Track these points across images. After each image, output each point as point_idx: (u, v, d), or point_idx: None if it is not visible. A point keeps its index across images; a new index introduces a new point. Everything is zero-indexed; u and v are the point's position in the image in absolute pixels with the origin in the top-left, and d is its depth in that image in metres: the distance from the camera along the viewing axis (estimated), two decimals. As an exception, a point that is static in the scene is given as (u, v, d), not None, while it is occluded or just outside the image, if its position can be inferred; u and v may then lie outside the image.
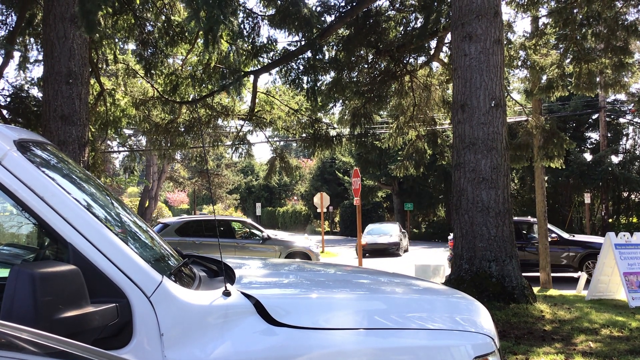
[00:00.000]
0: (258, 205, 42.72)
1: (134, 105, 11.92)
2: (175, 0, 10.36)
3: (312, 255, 13.85)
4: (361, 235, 11.67)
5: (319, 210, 19.03)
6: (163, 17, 10.37)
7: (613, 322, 6.71)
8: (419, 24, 11.91)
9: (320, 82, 12.08)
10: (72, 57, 6.65)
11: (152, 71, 10.85)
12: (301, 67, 11.20)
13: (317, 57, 10.77)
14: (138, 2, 9.60)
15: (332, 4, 11.06)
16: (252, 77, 11.34)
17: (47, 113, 6.67)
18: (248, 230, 14.28)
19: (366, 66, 12.78)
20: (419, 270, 10.95)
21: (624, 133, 31.31)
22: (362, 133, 13.07)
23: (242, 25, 10.30)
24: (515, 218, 12.34)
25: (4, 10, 10.30)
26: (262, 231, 13.99)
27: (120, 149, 28.61)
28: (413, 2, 11.95)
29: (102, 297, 1.49)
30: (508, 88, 12.78)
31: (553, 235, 12.80)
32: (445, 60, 12.49)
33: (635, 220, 27.67)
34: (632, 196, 27.70)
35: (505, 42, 10.69)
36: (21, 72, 11.37)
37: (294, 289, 2.26)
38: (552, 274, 11.58)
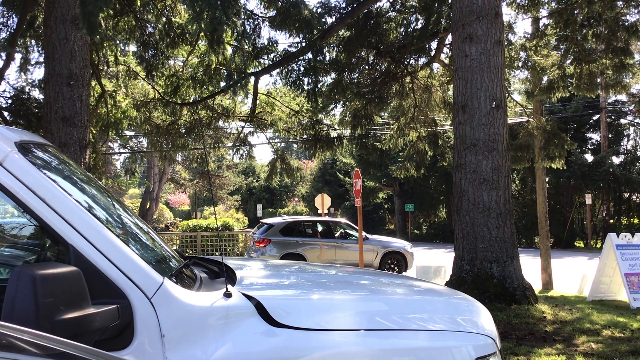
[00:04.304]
0: (259, 206, 42.70)
1: (135, 107, 11.93)
2: (176, 2, 10.37)
3: (407, 255, 13.95)
4: (362, 237, 11.65)
5: (320, 211, 19.02)
6: (164, 19, 10.38)
7: (614, 323, 6.71)
8: (419, 25, 11.90)
9: (321, 84, 12.07)
10: (73, 59, 6.66)
11: (153, 73, 10.86)
12: (302, 69, 11.18)
13: (318, 58, 10.76)
14: (139, 3, 9.61)
15: (333, 5, 11.04)
16: (252, 79, 11.33)
17: (48, 115, 6.68)
18: (344, 230, 14.39)
19: (367, 67, 12.76)
20: (420, 271, 10.96)
21: (625, 134, 31.30)
22: (363, 134, 13.06)
23: (243, 27, 10.30)
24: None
25: (5, 12, 10.31)
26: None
27: (122, 150, 28.68)
28: (414, 4, 11.94)
29: (103, 299, 1.49)
30: (509, 89, 12.75)
31: None
32: (446, 61, 12.47)
33: (636, 221, 27.66)
34: (634, 197, 27.69)
35: (505, 43, 10.68)
36: (22, 74, 11.40)
37: (295, 290, 2.26)
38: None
